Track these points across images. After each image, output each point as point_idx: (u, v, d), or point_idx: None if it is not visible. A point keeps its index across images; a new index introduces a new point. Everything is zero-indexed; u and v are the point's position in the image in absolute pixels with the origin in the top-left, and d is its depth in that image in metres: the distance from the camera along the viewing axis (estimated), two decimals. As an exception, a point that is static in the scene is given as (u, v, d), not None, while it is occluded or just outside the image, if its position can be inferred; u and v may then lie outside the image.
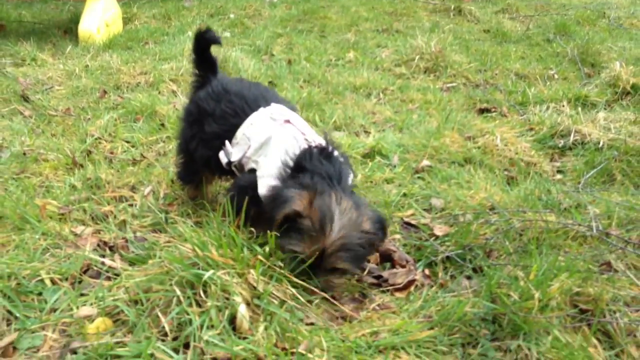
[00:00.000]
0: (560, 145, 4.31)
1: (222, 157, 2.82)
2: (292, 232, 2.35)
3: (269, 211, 2.41)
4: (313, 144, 2.62)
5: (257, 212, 2.52)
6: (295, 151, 2.59)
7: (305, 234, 2.32)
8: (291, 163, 2.56)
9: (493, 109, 5.17)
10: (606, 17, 9.18)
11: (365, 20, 8.87)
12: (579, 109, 4.82)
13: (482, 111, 5.18)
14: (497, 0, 10.18)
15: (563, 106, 4.95)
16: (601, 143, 4.13)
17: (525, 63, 6.83)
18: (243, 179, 2.74)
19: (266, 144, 2.69)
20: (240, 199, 2.56)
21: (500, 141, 4.17)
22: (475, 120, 4.70)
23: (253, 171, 2.69)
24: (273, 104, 2.88)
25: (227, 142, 2.82)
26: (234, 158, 2.76)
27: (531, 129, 4.60)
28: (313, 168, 2.51)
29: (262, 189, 2.55)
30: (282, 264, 2.32)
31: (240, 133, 2.79)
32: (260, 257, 2.29)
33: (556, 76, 6.30)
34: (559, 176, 3.86)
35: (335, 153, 2.62)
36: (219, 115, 2.90)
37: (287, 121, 2.76)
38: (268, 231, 2.35)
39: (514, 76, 6.36)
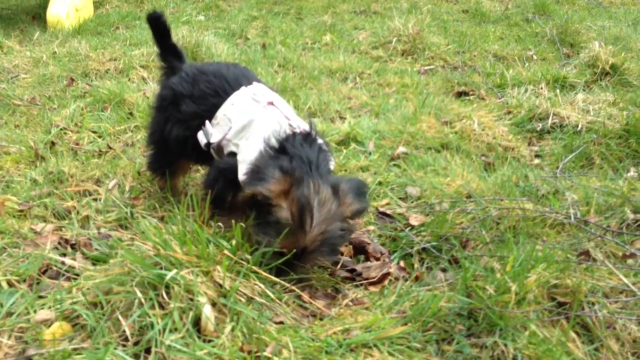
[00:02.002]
0: (538, 128, 4.24)
1: (201, 137, 2.70)
2: (268, 223, 2.26)
3: (246, 184, 2.32)
4: (297, 130, 2.52)
5: (234, 198, 2.42)
6: (279, 135, 2.48)
7: (283, 228, 2.22)
8: (275, 144, 2.45)
9: (471, 92, 5.09)
10: (585, -4, 9.13)
11: (343, 1, 8.75)
12: (558, 90, 4.75)
13: (459, 94, 5.10)
14: (476, -20, 10.09)
15: (541, 88, 4.89)
16: (580, 126, 4.07)
17: (503, 44, 6.76)
18: (223, 162, 2.62)
19: (248, 126, 2.58)
20: (218, 183, 2.48)
21: (477, 126, 4.10)
22: (452, 104, 4.62)
23: (233, 154, 2.58)
24: (255, 83, 2.78)
25: (207, 122, 2.71)
26: (214, 139, 2.65)
27: (509, 112, 4.53)
28: (294, 151, 2.40)
29: (242, 174, 2.45)
30: (249, 257, 2.23)
31: (220, 113, 2.68)
32: (226, 251, 2.20)
33: (535, 57, 6.23)
34: (537, 161, 3.80)
35: (319, 139, 2.53)
36: (197, 95, 2.78)
37: (271, 103, 2.65)
38: (233, 221, 2.25)
39: (492, 58, 6.29)
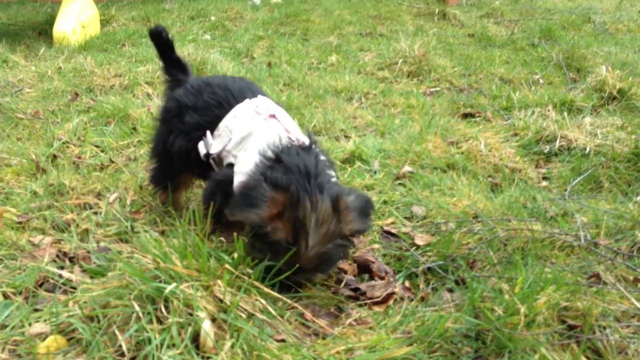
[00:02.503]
0: (545, 151, 4.19)
1: (201, 147, 2.66)
2: (264, 242, 2.20)
3: (236, 209, 2.25)
4: (297, 143, 2.47)
5: None
6: (276, 146, 2.43)
7: (280, 247, 2.16)
8: (270, 154, 2.39)
9: (477, 114, 5.06)
10: (591, 22, 9.13)
11: (349, 23, 8.76)
12: (565, 114, 4.71)
13: (465, 116, 5.06)
14: (482, 5, 10.10)
15: (548, 111, 4.84)
16: (588, 149, 4.02)
17: (509, 67, 6.74)
18: (220, 173, 2.58)
19: (247, 138, 2.54)
20: (216, 195, 2.44)
21: (484, 146, 4.05)
22: (458, 125, 4.57)
23: (231, 166, 2.53)
24: (260, 96, 2.75)
25: (208, 132, 2.67)
26: (214, 150, 2.61)
27: (516, 134, 4.48)
28: (290, 161, 2.32)
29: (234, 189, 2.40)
30: (251, 272, 2.17)
31: (222, 125, 2.64)
32: (227, 265, 2.14)
33: (541, 81, 6.20)
34: (544, 183, 3.74)
35: (318, 150, 2.48)
36: (201, 106, 2.75)
37: (272, 116, 2.61)
38: (235, 234, 2.19)
39: (498, 80, 6.26)
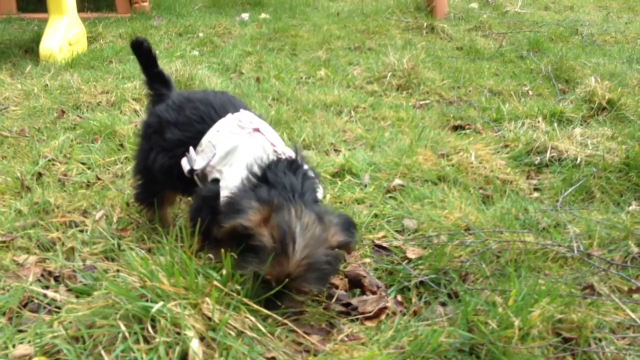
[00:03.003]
0: (536, 162, 4.17)
1: (185, 164, 2.62)
2: (251, 251, 2.15)
3: (221, 218, 2.22)
4: (283, 157, 2.44)
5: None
6: (263, 161, 2.40)
7: (266, 255, 2.11)
8: (257, 171, 2.37)
9: (467, 126, 5.04)
10: (579, 34, 9.15)
11: (337, 38, 8.75)
12: (555, 125, 4.70)
13: (455, 128, 5.04)
14: (470, 18, 10.10)
15: (538, 122, 4.83)
16: (579, 159, 4.00)
17: (498, 80, 6.74)
18: (206, 189, 2.54)
19: (232, 152, 2.51)
20: (202, 211, 2.40)
21: (474, 158, 4.03)
22: (449, 138, 4.55)
23: (217, 181, 2.50)
24: (242, 111, 2.71)
25: (191, 148, 2.63)
26: (197, 166, 2.57)
27: (506, 146, 4.46)
28: (275, 179, 2.31)
29: (221, 204, 2.36)
30: (240, 289, 2.12)
31: (205, 140, 2.61)
32: (216, 282, 2.09)
33: (530, 92, 6.20)
34: (536, 194, 3.72)
35: (305, 166, 2.45)
36: (182, 122, 2.72)
37: (257, 130, 2.59)
38: (222, 249, 2.15)
39: (487, 93, 6.25)
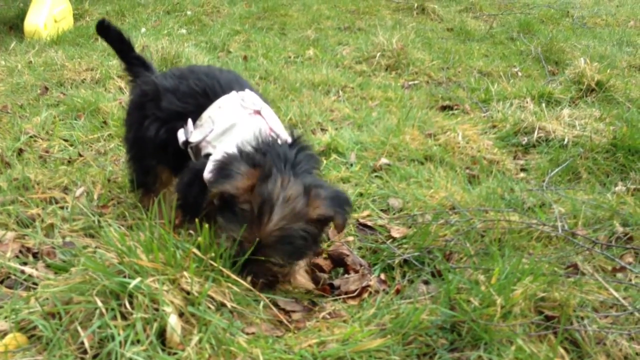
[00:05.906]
0: (523, 142, 4.16)
1: (181, 135, 2.56)
2: (231, 213, 2.14)
3: (212, 184, 2.21)
4: (278, 139, 2.40)
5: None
6: (257, 138, 2.36)
7: (243, 219, 2.10)
8: (252, 141, 2.33)
9: (455, 107, 5.01)
10: (570, 16, 9.14)
11: (327, 18, 8.69)
12: (543, 105, 4.68)
13: (444, 108, 5.02)
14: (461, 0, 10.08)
15: (527, 103, 4.81)
16: (566, 140, 3.98)
17: (488, 61, 6.71)
18: (198, 163, 2.50)
19: (229, 130, 2.47)
20: (193, 186, 2.38)
21: (462, 138, 4.01)
22: (436, 118, 4.53)
23: (209, 156, 2.45)
24: (247, 91, 2.65)
25: (189, 120, 2.57)
26: (194, 139, 2.52)
27: (494, 126, 4.45)
28: (268, 149, 2.29)
29: (208, 172, 2.33)
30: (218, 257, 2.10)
31: (206, 115, 2.56)
32: (195, 250, 2.06)
33: (520, 74, 6.18)
34: (522, 174, 3.71)
35: (302, 145, 2.41)
36: (183, 91, 2.64)
37: (258, 112, 2.54)
38: (197, 220, 2.12)
39: (477, 74, 6.23)
